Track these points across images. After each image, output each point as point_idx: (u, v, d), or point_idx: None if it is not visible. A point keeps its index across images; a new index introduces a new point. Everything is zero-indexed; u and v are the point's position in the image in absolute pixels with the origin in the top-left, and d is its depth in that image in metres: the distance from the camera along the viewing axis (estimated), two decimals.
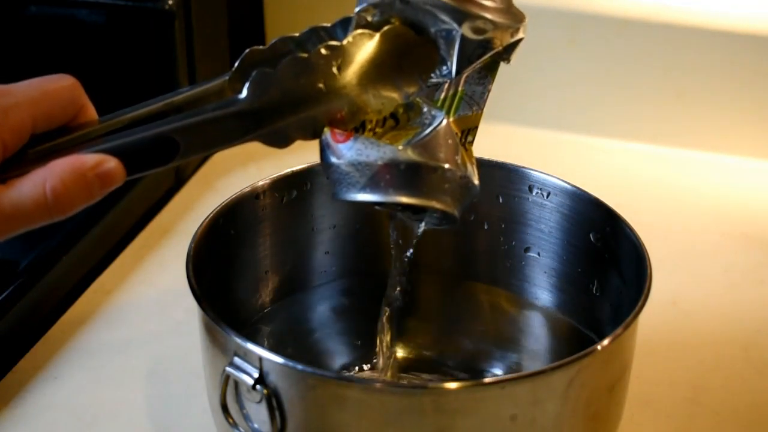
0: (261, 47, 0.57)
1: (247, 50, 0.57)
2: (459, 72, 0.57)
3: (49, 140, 0.52)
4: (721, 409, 0.70)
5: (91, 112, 0.54)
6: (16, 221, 0.50)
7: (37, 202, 0.50)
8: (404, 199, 0.55)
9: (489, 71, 0.61)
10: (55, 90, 0.52)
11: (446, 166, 0.56)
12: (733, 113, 1.00)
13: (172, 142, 0.53)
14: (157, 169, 0.53)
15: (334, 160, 0.55)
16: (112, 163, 0.51)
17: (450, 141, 0.56)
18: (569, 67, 1.02)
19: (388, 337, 0.66)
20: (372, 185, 0.55)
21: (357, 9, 0.57)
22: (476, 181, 0.58)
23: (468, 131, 0.62)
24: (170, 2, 0.88)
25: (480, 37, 0.56)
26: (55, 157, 0.51)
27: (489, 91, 0.61)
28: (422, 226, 0.61)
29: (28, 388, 0.71)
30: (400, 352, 0.70)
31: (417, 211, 0.60)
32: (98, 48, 0.91)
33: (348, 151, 0.55)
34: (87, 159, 0.51)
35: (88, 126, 0.53)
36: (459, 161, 0.56)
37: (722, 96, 0.99)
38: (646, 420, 0.69)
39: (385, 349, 0.66)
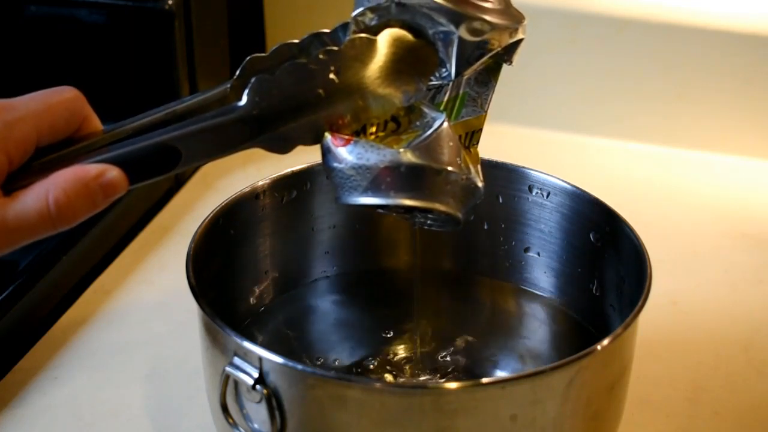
0: (262, 54, 0.57)
1: (249, 57, 0.57)
2: (458, 74, 0.57)
3: (53, 152, 0.52)
4: (721, 409, 0.70)
5: (95, 123, 0.54)
6: (21, 233, 0.50)
7: (41, 213, 0.50)
8: (406, 201, 0.55)
9: (491, 74, 0.61)
10: (58, 103, 0.52)
11: (448, 168, 0.56)
12: (733, 113, 1.00)
13: (174, 151, 0.53)
14: (160, 177, 0.53)
15: (335, 164, 0.55)
16: (114, 172, 0.51)
17: (451, 143, 0.56)
18: (570, 67, 1.02)
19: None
20: (373, 188, 0.55)
21: (354, 13, 0.57)
22: (480, 184, 0.57)
23: (472, 134, 0.62)
24: (170, 2, 0.88)
25: (478, 39, 0.56)
26: (59, 168, 0.51)
27: (492, 94, 0.61)
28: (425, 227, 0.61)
29: (28, 388, 0.71)
30: (401, 352, 0.70)
31: (421, 214, 0.60)
32: (98, 48, 0.91)
33: (348, 155, 0.55)
34: (89, 169, 0.51)
35: (92, 137, 0.53)
36: (461, 163, 0.56)
37: (722, 96, 0.99)
38: (646, 420, 0.69)
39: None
